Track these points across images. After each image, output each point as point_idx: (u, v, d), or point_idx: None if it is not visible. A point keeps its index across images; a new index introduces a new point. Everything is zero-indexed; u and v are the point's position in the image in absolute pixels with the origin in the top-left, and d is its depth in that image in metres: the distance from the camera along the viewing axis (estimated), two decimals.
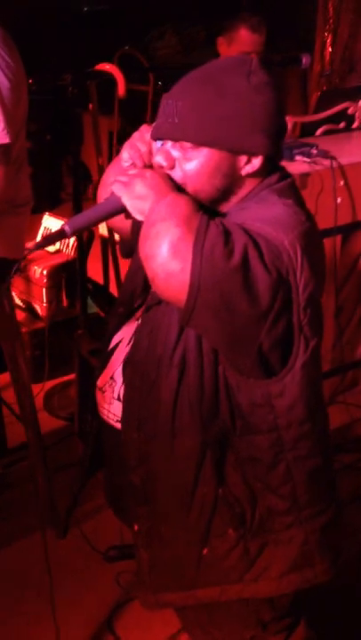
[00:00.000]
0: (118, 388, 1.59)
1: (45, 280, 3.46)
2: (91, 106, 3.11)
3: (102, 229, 3.33)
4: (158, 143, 1.44)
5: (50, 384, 3.46)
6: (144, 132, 1.50)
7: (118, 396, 1.58)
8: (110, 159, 5.23)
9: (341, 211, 2.77)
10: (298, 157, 2.68)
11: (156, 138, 1.44)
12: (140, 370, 1.50)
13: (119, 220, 1.59)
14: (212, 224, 1.28)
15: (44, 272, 3.46)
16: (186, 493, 1.47)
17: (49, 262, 3.50)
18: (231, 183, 1.40)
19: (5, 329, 2.43)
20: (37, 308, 3.54)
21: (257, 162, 1.38)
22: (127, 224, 1.66)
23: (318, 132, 3.18)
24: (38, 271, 3.47)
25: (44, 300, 3.49)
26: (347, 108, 3.18)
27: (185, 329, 1.39)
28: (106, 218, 1.44)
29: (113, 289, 3.49)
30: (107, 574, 2.42)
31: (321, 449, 1.49)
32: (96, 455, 1.82)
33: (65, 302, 3.54)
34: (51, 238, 1.41)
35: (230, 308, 1.26)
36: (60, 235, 1.39)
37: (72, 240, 3.50)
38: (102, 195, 1.59)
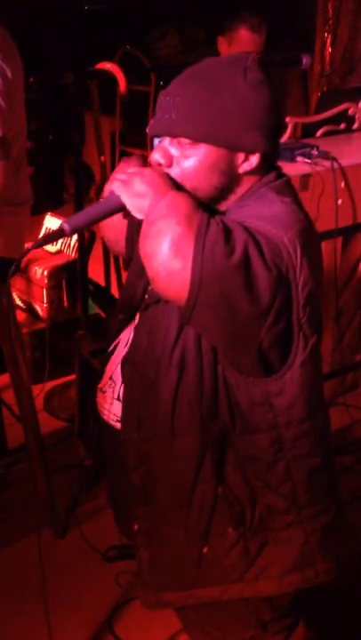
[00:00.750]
0: (118, 388, 1.58)
1: (46, 281, 3.46)
2: (93, 104, 3.11)
3: None
4: (156, 140, 1.44)
5: (50, 385, 3.46)
6: (123, 167, 1.50)
7: (118, 395, 1.58)
8: (113, 160, 5.24)
9: (342, 213, 2.77)
10: (299, 158, 2.67)
11: (153, 134, 1.44)
12: (140, 369, 1.49)
13: (113, 235, 1.60)
14: (213, 222, 1.28)
15: (45, 273, 3.45)
16: (186, 492, 1.46)
17: (50, 263, 3.50)
18: (229, 181, 1.40)
19: (5, 329, 2.43)
20: (38, 308, 3.54)
21: (254, 160, 1.38)
22: (121, 237, 1.67)
23: (319, 132, 3.18)
24: (39, 272, 3.47)
25: (45, 301, 3.48)
26: (347, 109, 3.18)
27: (184, 328, 1.39)
28: (105, 216, 1.44)
29: (114, 290, 3.49)
30: (106, 574, 2.42)
31: (322, 449, 1.49)
32: (100, 461, 1.82)
33: (66, 303, 3.53)
34: (50, 236, 1.41)
35: (231, 306, 1.26)
36: (59, 233, 1.39)
37: (73, 241, 3.50)
38: None
